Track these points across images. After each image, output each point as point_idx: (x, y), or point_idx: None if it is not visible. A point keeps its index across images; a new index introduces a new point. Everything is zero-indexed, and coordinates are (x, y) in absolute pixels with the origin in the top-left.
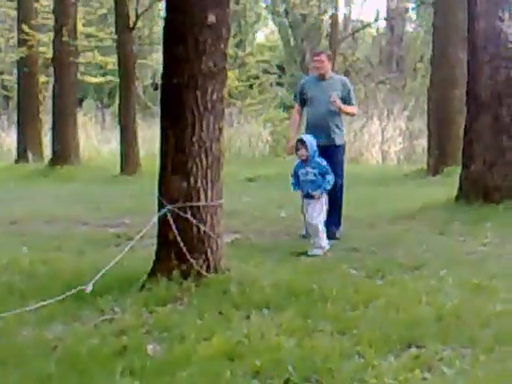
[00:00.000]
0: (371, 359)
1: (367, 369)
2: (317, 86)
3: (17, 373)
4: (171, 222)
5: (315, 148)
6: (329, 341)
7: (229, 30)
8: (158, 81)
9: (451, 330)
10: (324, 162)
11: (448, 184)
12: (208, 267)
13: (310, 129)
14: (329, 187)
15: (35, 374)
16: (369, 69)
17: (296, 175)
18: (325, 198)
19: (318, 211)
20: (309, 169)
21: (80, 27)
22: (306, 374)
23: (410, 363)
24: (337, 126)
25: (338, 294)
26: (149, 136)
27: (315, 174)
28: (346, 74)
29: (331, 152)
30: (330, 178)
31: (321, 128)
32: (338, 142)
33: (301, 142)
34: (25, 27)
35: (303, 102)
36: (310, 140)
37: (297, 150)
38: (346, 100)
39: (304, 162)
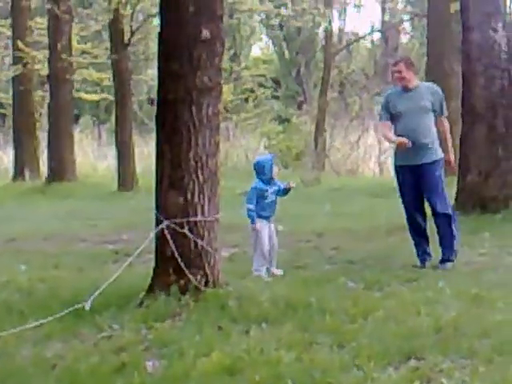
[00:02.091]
0: (370, 372)
1: (366, 381)
2: (403, 98)
3: None
4: (169, 237)
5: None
6: (328, 354)
7: (223, 44)
8: (154, 96)
9: (450, 342)
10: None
11: None
12: (206, 282)
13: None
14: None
15: None
16: (364, 81)
17: (257, 200)
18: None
19: None
20: (274, 187)
21: (75, 44)
22: None
23: (410, 375)
24: (431, 141)
25: (336, 306)
26: (145, 152)
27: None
28: (341, 86)
29: (425, 170)
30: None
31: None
32: (434, 157)
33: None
34: (20, 44)
35: (391, 118)
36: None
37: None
38: (437, 111)
39: (269, 182)
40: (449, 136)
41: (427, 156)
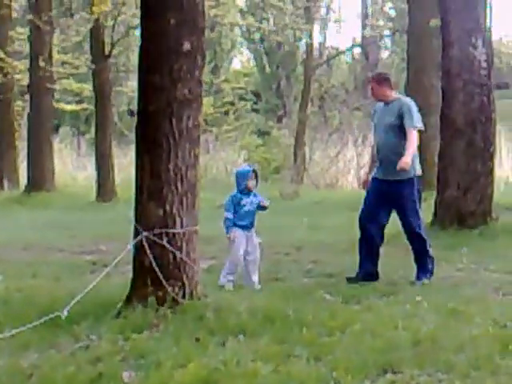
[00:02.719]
0: None
1: None
2: (381, 111)
3: None
4: (147, 248)
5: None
6: (305, 367)
7: (204, 57)
8: (134, 108)
9: (427, 355)
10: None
11: (423, 209)
12: (184, 294)
13: (378, 161)
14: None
15: None
16: (344, 95)
17: (234, 208)
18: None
19: None
20: (253, 198)
21: (56, 54)
22: None
23: None
24: (400, 156)
25: (313, 319)
26: (125, 163)
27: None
28: (322, 100)
29: (395, 188)
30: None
31: (381, 160)
32: (404, 175)
33: (254, 172)
34: (1, 53)
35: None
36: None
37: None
38: (400, 128)
39: (245, 192)
40: (408, 144)
41: (396, 173)
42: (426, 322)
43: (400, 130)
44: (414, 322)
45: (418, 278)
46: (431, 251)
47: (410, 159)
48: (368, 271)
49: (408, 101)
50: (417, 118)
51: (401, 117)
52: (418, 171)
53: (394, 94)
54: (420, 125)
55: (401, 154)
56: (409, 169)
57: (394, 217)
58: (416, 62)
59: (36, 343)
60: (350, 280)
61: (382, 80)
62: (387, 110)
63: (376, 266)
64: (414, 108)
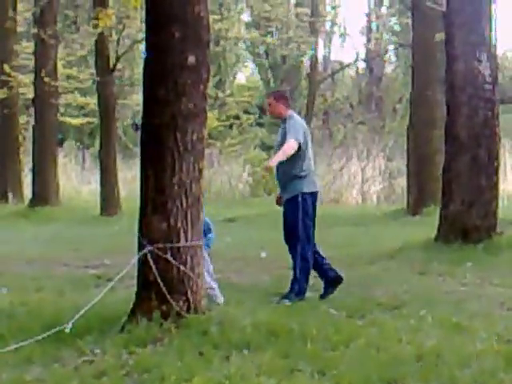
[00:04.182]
0: None
1: None
2: (280, 130)
3: None
4: (151, 262)
5: None
6: (309, 381)
7: (209, 71)
8: (138, 121)
9: (431, 370)
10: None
11: (427, 224)
12: (188, 308)
13: None
14: (210, 244)
15: None
16: (348, 109)
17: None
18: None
19: None
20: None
21: (60, 68)
22: None
23: None
24: (286, 178)
25: (318, 333)
26: (129, 177)
27: None
28: (326, 114)
29: (285, 206)
30: (210, 235)
31: (277, 179)
32: (290, 194)
33: None
34: (6, 67)
35: None
36: None
37: None
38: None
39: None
40: (281, 149)
41: (285, 192)
42: (430, 337)
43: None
44: (418, 336)
45: (283, 296)
46: (302, 275)
47: (274, 163)
48: (333, 278)
49: (293, 119)
50: (294, 131)
51: (285, 135)
52: (307, 189)
53: (288, 113)
54: (299, 138)
55: (290, 175)
56: (268, 171)
57: (399, 233)
58: (420, 76)
59: (40, 357)
60: (324, 296)
61: (279, 97)
62: (281, 129)
63: (333, 269)
64: (296, 125)
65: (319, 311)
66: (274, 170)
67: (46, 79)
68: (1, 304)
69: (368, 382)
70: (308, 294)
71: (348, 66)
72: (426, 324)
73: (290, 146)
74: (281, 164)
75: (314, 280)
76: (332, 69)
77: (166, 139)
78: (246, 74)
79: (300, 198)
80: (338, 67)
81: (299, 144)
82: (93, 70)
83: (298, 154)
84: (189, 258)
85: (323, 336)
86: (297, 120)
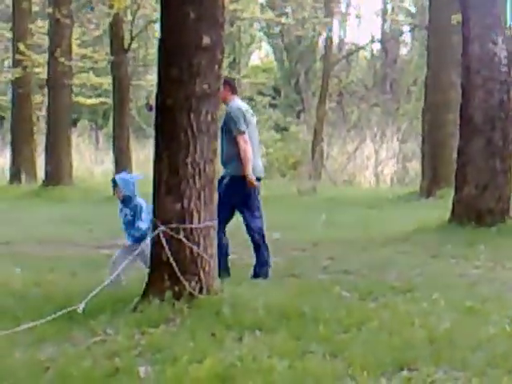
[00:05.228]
0: (364, 382)
1: None
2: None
3: None
4: (164, 243)
5: (132, 187)
6: (321, 363)
7: (223, 51)
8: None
9: (443, 353)
10: (141, 205)
11: (441, 206)
12: (201, 288)
13: None
14: (137, 234)
15: None
16: (363, 91)
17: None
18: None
19: None
20: (127, 210)
21: (75, 48)
22: None
23: None
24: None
25: (330, 316)
26: (142, 157)
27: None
28: (340, 96)
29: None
30: (141, 224)
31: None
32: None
33: (113, 182)
34: (21, 46)
35: None
36: (122, 179)
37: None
38: (232, 131)
39: (123, 203)
40: (243, 155)
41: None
42: (442, 320)
43: (226, 135)
44: (430, 319)
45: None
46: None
47: (248, 170)
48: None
49: (234, 105)
50: (237, 123)
51: (226, 122)
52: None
53: (232, 99)
54: (242, 128)
55: (230, 156)
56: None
57: (412, 216)
58: (436, 59)
59: (53, 337)
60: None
61: (224, 83)
62: (225, 113)
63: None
64: (237, 112)
65: (331, 294)
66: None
67: (61, 59)
68: (13, 284)
69: (380, 365)
70: (321, 276)
71: (363, 47)
72: (438, 307)
73: (245, 149)
74: (224, 146)
75: (329, 262)
76: (347, 50)
77: (179, 120)
78: (260, 55)
79: (229, 181)
80: (353, 49)
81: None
82: (107, 50)
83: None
84: (202, 239)
85: (335, 318)
86: (236, 106)
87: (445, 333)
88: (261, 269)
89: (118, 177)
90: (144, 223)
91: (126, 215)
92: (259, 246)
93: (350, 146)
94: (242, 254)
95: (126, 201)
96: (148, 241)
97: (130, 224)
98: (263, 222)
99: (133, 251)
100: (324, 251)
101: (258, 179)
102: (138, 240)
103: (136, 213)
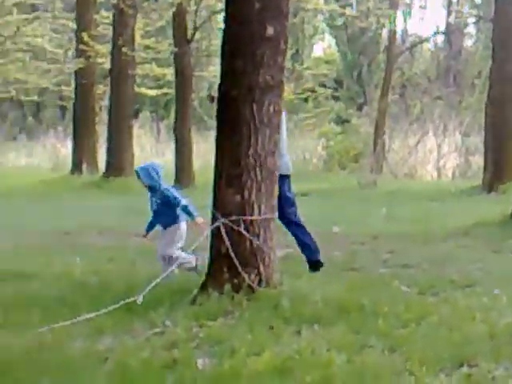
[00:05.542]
0: (422, 377)
1: None
2: None
3: None
4: (224, 235)
5: (155, 177)
6: (379, 357)
7: (287, 42)
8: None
9: (504, 349)
10: (172, 192)
11: (503, 201)
12: (260, 281)
13: None
14: (188, 209)
15: None
16: (426, 84)
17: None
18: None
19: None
20: (154, 199)
21: (138, 39)
22: None
23: (462, 382)
24: None
25: (389, 310)
26: (203, 149)
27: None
28: (403, 88)
29: None
30: (183, 201)
31: None
32: None
33: (136, 172)
34: (85, 36)
35: None
36: (144, 170)
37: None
38: None
39: (150, 192)
40: None
41: None
42: (503, 316)
43: None
44: (491, 314)
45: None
46: None
47: None
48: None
49: None
50: None
51: None
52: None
53: None
54: None
55: None
56: None
57: (474, 210)
58: (500, 51)
59: (111, 328)
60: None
61: None
62: None
63: None
64: None
65: (391, 288)
66: None
67: (124, 49)
68: (73, 274)
69: (439, 360)
70: (380, 270)
71: (427, 39)
72: (499, 302)
73: None
74: None
75: (389, 256)
76: (410, 42)
77: (242, 111)
78: (323, 46)
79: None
80: (417, 40)
81: None
82: (170, 41)
83: None
84: (262, 231)
85: (394, 313)
86: None
87: (506, 328)
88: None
89: (139, 168)
90: (184, 199)
91: (155, 203)
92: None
93: (412, 140)
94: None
95: (153, 190)
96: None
97: (158, 212)
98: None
99: (167, 235)
100: (384, 245)
101: (287, 176)
102: (172, 223)
103: (164, 201)
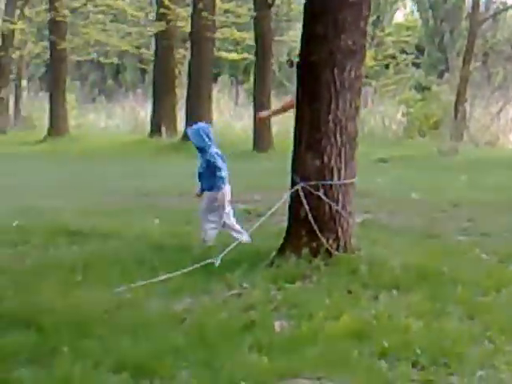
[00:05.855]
0: (502, 345)
1: (498, 354)
2: None
3: (146, 343)
4: (303, 199)
5: (204, 138)
6: (458, 325)
7: (369, 8)
8: (294, 58)
9: None
10: (217, 160)
11: None
12: (338, 246)
13: None
14: (218, 183)
15: (164, 345)
16: (509, 51)
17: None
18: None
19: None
20: (201, 160)
21: (219, 2)
22: (434, 357)
23: None
24: None
25: (468, 278)
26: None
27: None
28: (486, 56)
29: None
30: (222, 173)
31: None
32: None
33: (185, 134)
34: (165, 0)
35: None
36: (193, 131)
37: None
38: None
39: (200, 153)
40: None
41: None
42: None
43: None
44: None
45: None
46: None
47: None
48: None
49: None
50: None
51: None
52: None
53: None
54: None
55: None
56: None
57: None
58: None
59: (189, 289)
60: None
61: None
62: None
63: None
64: None
65: (470, 256)
66: None
67: (204, 13)
68: (152, 235)
69: None
70: (460, 237)
71: (511, 6)
72: None
73: None
74: None
75: (469, 224)
76: (495, 9)
77: (323, 76)
78: (404, 12)
79: None
80: (501, 8)
81: None
82: (250, 6)
83: None
84: (341, 196)
85: (474, 281)
86: None
87: None
88: None
89: (189, 129)
90: (222, 171)
91: (201, 166)
92: None
93: (494, 107)
94: (377, 213)
95: (202, 151)
96: (226, 189)
97: (200, 175)
98: None
99: (205, 199)
100: (464, 213)
101: None
102: (209, 189)
103: (209, 165)
